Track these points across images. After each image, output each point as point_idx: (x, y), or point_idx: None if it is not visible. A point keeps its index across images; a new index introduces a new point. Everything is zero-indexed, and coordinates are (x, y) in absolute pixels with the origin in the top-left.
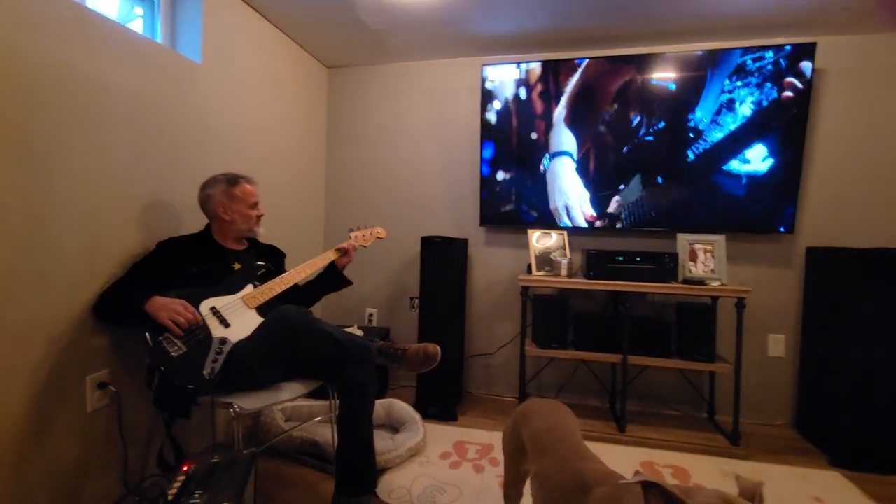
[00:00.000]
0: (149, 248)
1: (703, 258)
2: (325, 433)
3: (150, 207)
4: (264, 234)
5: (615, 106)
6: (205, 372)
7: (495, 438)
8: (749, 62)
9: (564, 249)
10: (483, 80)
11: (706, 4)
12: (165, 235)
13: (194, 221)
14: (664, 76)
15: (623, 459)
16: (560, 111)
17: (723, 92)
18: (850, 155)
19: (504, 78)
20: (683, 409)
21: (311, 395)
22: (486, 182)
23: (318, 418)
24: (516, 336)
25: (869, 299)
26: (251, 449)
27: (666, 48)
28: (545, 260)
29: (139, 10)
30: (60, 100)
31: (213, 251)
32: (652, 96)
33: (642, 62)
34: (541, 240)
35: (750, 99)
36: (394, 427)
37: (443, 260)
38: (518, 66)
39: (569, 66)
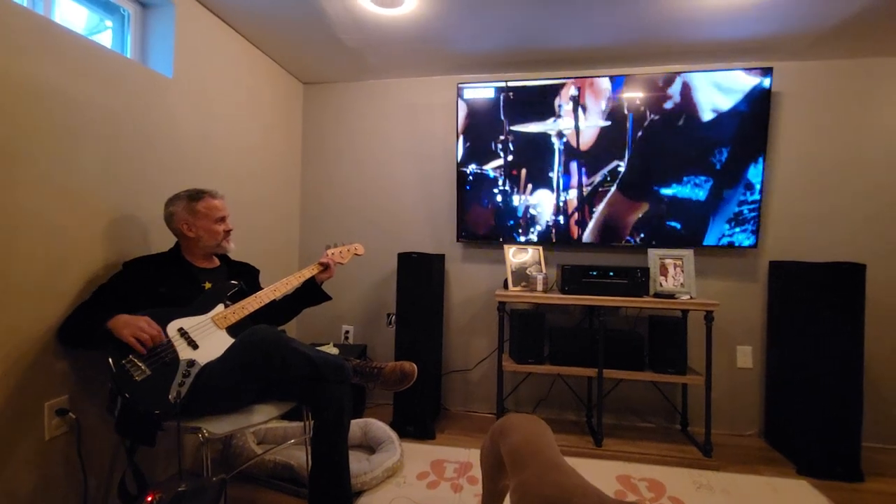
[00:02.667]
0: (114, 266)
1: (673, 272)
2: (300, 456)
3: (118, 225)
4: (235, 250)
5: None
6: (170, 395)
7: (473, 456)
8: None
9: (540, 265)
10: (459, 103)
11: (673, 31)
12: (133, 254)
13: (163, 239)
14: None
15: (600, 473)
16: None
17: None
18: (808, 173)
19: (481, 97)
20: (658, 421)
21: (285, 416)
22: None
23: (292, 441)
24: (494, 351)
25: (827, 311)
26: (220, 475)
27: (638, 70)
28: (521, 275)
29: (109, 23)
30: (24, 113)
31: (182, 270)
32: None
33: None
34: (517, 255)
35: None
36: (370, 447)
37: (420, 276)
38: (494, 86)
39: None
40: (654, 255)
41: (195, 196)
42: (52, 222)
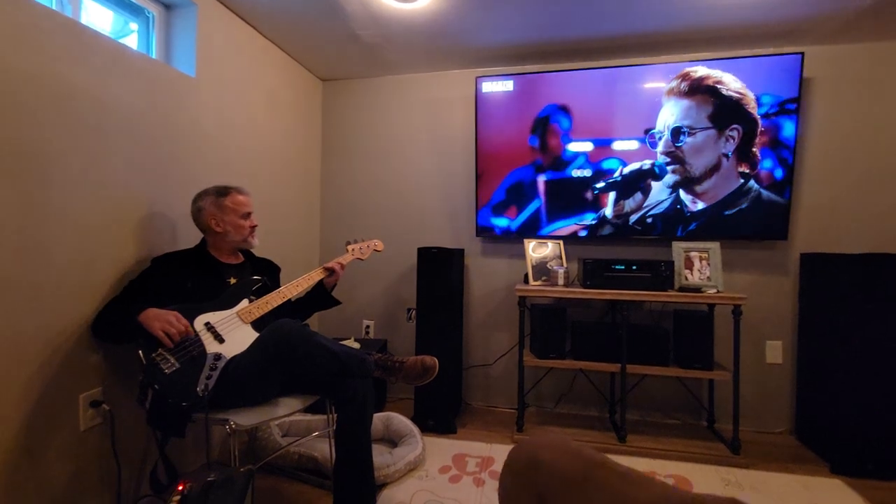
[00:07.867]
0: (144, 261)
1: (699, 266)
2: (324, 448)
3: (146, 221)
4: (259, 246)
5: None
6: (198, 388)
7: (495, 451)
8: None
9: (561, 259)
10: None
11: (695, 17)
12: (161, 249)
13: (190, 234)
14: None
15: None
16: None
17: None
18: (841, 162)
19: (499, 90)
20: (683, 417)
21: (308, 409)
22: None
23: (316, 433)
24: (514, 346)
25: (862, 304)
26: (248, 466)
27: (655, 59)
28: (542, 269)
29: (134, 25)
30: (54, 114)
31: (208, 266)
32: None
33: None
34: (537, 249)
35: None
36: (392, 441)
37: (439, 271)
38: (509, 78)
39: None
40: (678, 248)
41: (222, 192)
42: (84, 220)
